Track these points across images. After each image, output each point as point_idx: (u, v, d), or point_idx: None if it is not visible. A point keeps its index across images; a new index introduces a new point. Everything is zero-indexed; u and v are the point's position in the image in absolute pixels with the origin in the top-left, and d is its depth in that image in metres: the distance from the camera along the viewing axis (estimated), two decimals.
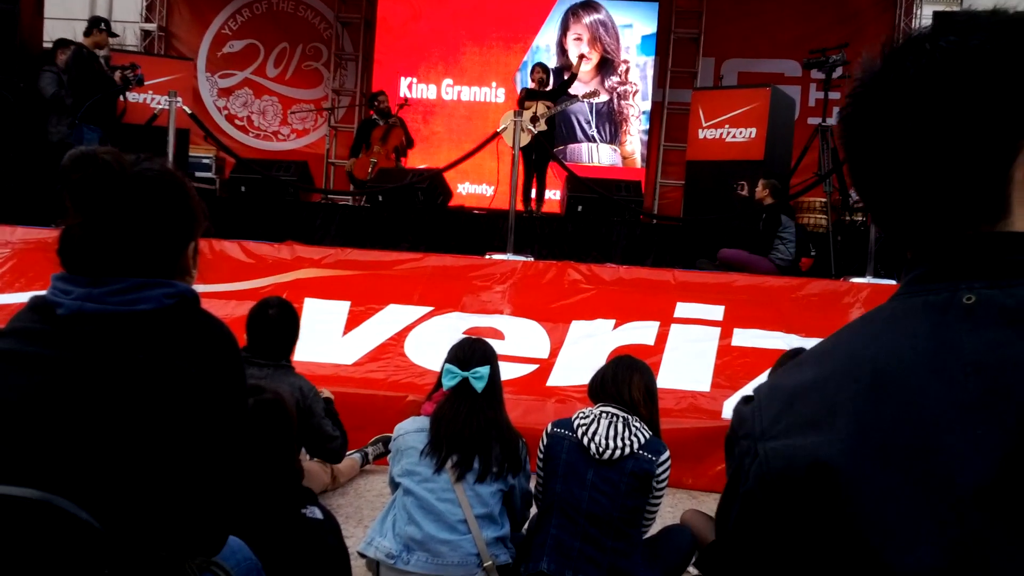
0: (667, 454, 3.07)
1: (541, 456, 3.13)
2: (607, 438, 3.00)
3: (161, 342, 1.58)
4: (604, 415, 3.07)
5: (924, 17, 11.57)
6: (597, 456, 2.99)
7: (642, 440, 3.03)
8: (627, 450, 2.99)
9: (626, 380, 3.16)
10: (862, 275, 7.05)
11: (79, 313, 1.57)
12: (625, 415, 3.07)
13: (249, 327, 4.01)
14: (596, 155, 12.44)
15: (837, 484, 0.75)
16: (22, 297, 5.61)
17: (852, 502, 0.74)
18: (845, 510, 0.74)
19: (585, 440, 3.02)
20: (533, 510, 3.26)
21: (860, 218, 9.71)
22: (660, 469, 3.03)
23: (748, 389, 5.26)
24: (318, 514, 2.51)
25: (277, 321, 4.04)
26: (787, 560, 0.79)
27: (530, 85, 9.88)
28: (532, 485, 3.24)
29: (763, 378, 4.95)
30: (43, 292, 1.63)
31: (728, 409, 5.18)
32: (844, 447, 0.76)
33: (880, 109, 0.85)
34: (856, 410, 0.77)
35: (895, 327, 0.82)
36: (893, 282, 6.87)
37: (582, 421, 3.07)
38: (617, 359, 3.34)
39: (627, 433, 3.02)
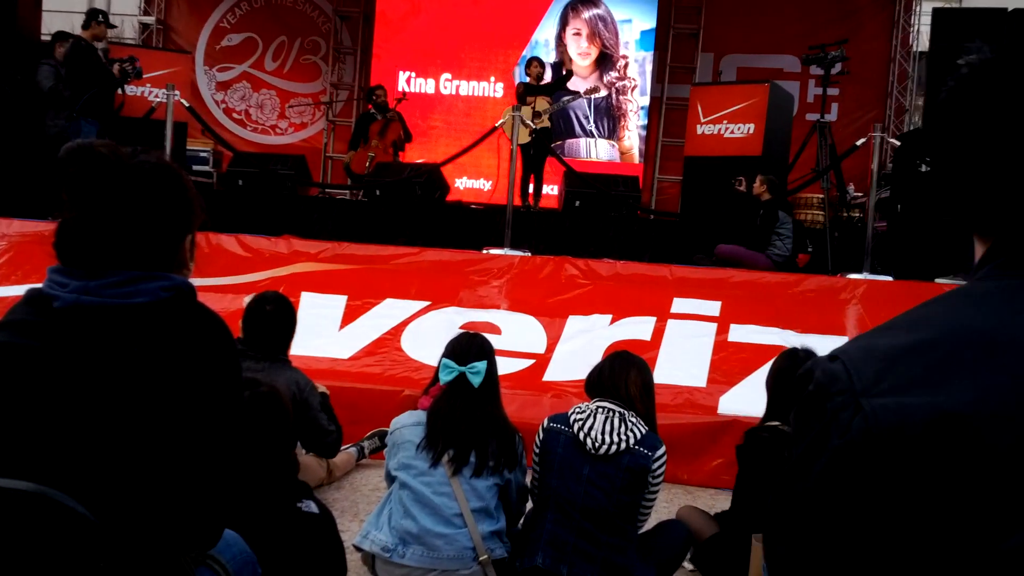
0: (663, 449, 3.07)
1: (537, 451, 3.13)
2: (603, 433, 3.01)
3: (157, 335, 1.58)
4: (600, 410, 3.07)
5: (924, 14, 11.56)
6: (593, 451, 3.00)
7: (638, 435, 3.03)
8: (623, 445, 3.00)
9: (623, 376, 3.17)
10: (859, 271, 7.06)
11: (75, 306, 1.56)
12: (621, 410, 3.08)
13: (245, 322, 4.01)
14: (594, 150, 12.43)
15: (971, 433, 0.79)
16: (19, 290, 5.60)
17: (992, 449, 0.78)
18: (982, 457, 0.78)
19: (581, 435, 3.02)
20: (529, 505, 3.26)
21: (857, 214, 9.73)
22: (656, 464, 3.03)
23: (744, 385, 5.30)
24: (313, 508, 2.52)
25: (274, 317, 4.04)
26: (883, 512, 0.81)
27: (527, 80, 9.87)
28: (528, 480, 3.25)
29: (761, 373, 4.95)
30: (39, 285, 1.63)
31: (725, 405, 5.18)
32: (973, 399, 0.80)
33: (991, 93, 0.92)
34: (978, 371, 0.82)
35: (997, 302, 0.87)
36: (889, 278, 6.88)
37: (578, 416, 3.08)
38: (614, 354, 3.34)
39: (623, 428, 3.03)
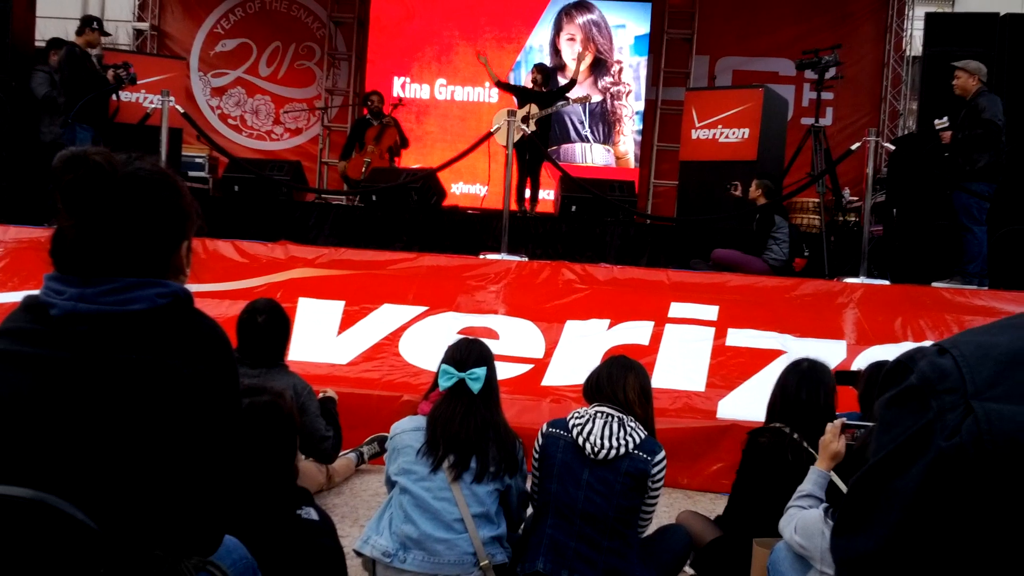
0: (663, 454, 3.07)
1: (536, 456, 3.12)
2: (602, 438, 3.00)
3: (154, 342, 1.57)
4: (599, 415, 3.07)
5: (916, 18, 11.59)
6: (592, 456, 2.99)
7: (637, 440, 3.03)
8: (622, 450, 2.99)
9: (621, 380, 3.16)
10: (855, 275, 7.06)
11: (72, 313, 1.56)
12: (620, 415, 3.07)
13: (239, 333, 3.98)
14: (590, 155, 12.44)
15: None
16: (15, 296, 5.60)
17: None
18: None
19: (580, 440, 3.02)
20: (529, 511, 3.26)
21: (853, 218, 9.75)
22: (656, 469, 3.03)
23: (743, 389, 5.30)
24: (313, 515, 2.51)
25: (266, 328, 4.01)
26: (984, 524, 0.76)
27: (528, 86, 9.88)
28: (528, 485, 3.24)
29: (760, 377, 4.94)
30: (36, 292, 1.63)
31: (724, 409, 5.18)
32: None
33: None
34: None
35: None
36: (886, 282, 6.89)
37: (577, 421, 3.07)
38: (612, 359, 3.34)
39: (622, 433, 3.02)
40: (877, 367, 3.50)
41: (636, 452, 3.01)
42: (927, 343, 0.90)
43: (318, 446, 4.18)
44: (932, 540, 0.78)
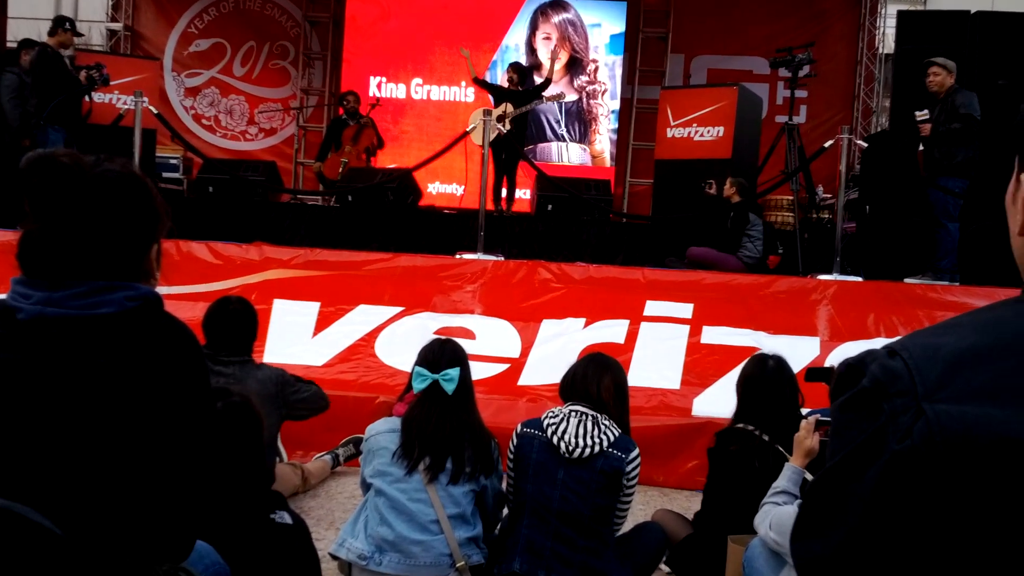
0: (637, 451, 3.08)
1: (512, 457, 3.13)
2: (576, 436, 3.01)
3: (123, 346, 1.56)
4: (574, 414, 3.08)
5: (889, 16, 11.68)
6: (567, 455, 3.00)
7: (611, 438, 3.04)
8: (596, 448, 3.00)
9: (596, 379, 3.17)
10: (829, 272, 7.12)
11: (40, 317, 1.54)
12: (594, 413, 3.08)
13: (209, 325, 3.96)
14: (566, 154, 12.46)
15: None
16: None
17: None
18: None
19: (555, 439, 3.02)
20: (505, 511, 3.26)
21: (826, 216, 9.82)
22: (630, 467, 3.04)
23: (718, 386, 5.32)
24: (287, 519, 2.49)
25: (239, 315, 4.02)
26: (937, 524, 0.77)
27: (504, 85, 9.88)
28: (504, 486, 3.24)
29: (734, 375, 4.98)
30: (2, 296, 1.61)
31: (699, 407, 5.21)
32: None
33: None
34: None
35: None
36: (859, 279, 6.94)
37: (551, 420, 3.08)
38: (589, 357, 3.35)
39: (596, 431, 3.03)
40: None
41: (610, 450, 3.02)
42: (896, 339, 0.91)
43: (315, 406, 4.27)
44: (887, 542, 0.79)
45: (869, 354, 0.86)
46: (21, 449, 1.49)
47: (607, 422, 3.08)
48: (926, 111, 7.15)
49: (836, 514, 0.83)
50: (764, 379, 3.34)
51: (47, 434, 1.49)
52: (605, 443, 3.02)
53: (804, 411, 3.31)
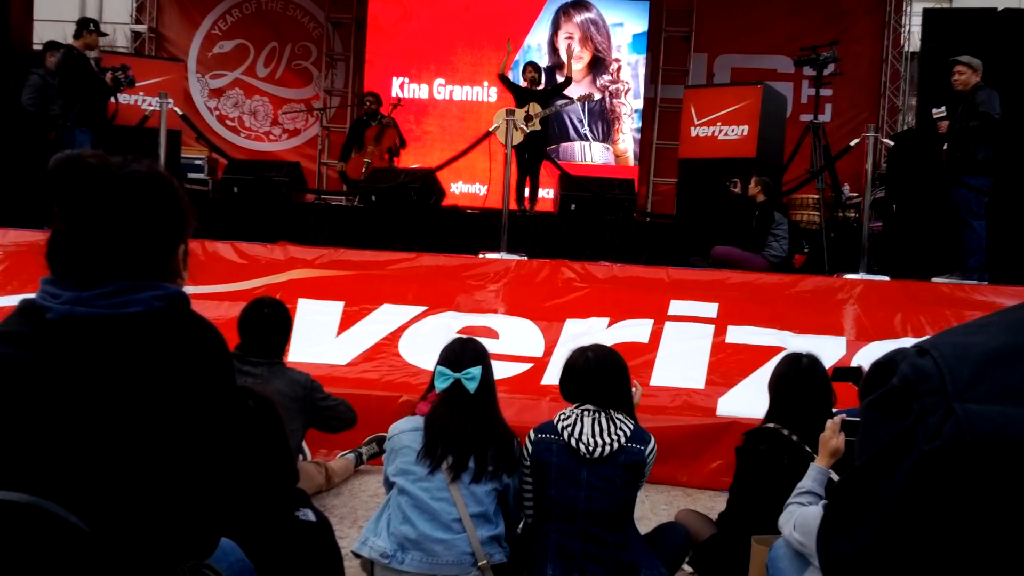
0: (653, 441, 3.10)
1: (528, 463, 3.11)
2: (594, 436, 3.01)
3: (151, 345, 1.57)
4: (585, 413, 3.07)
5: (914, 14, 11.58)
6: (588, 455, 2.99)
7: (627, 432, 3.04)
8: (615, 445, 3.00)
9: (597, 375, 3.15)
10: (855, 271, 7.06)
11: (68, 317, 1.55)
12: (605, 410, 3.08)
13: (243, 326, 4.03)
14: (589, 154, 12.44)
15: None
16: (14, 300, 5.58)
17: None
18: None
19: (573, 441, 3.01)
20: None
21: (852, 214, 9.74)
22: (650, 457, 3.07)
23: (743, 386, 5.29)
24: (311, 516, 2.50)
25: (271, 319, 4.07)
26: (968, 525, 0.76)
27: (522, 84, 9.88)
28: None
29: (760, 374, 4.93)
30: (33, 295, 1.62)
31: (724, 407, 5.18)
32: None
33: None
34: None
35: None
36: (886, 278, 6.88)
37: (565, 423, 3.07)
38: (580, 352, 3.27)
39: (612, 428, 3.03)
40: None
41: (630, 444, 3.02)
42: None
43: (343, 417, 4.30)
44: (914, 543, 0.78)
45: (899, 353, 0.84)
46: (50, 447, 1.50)
47: (620, 416, 3.07)
48: (943, 108, 7.08)
49: (863, 513, 0.82)
50: (798, 378, 3.32)
51: (75, 432, 1.51)
52: (623, 438, 3.02)
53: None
